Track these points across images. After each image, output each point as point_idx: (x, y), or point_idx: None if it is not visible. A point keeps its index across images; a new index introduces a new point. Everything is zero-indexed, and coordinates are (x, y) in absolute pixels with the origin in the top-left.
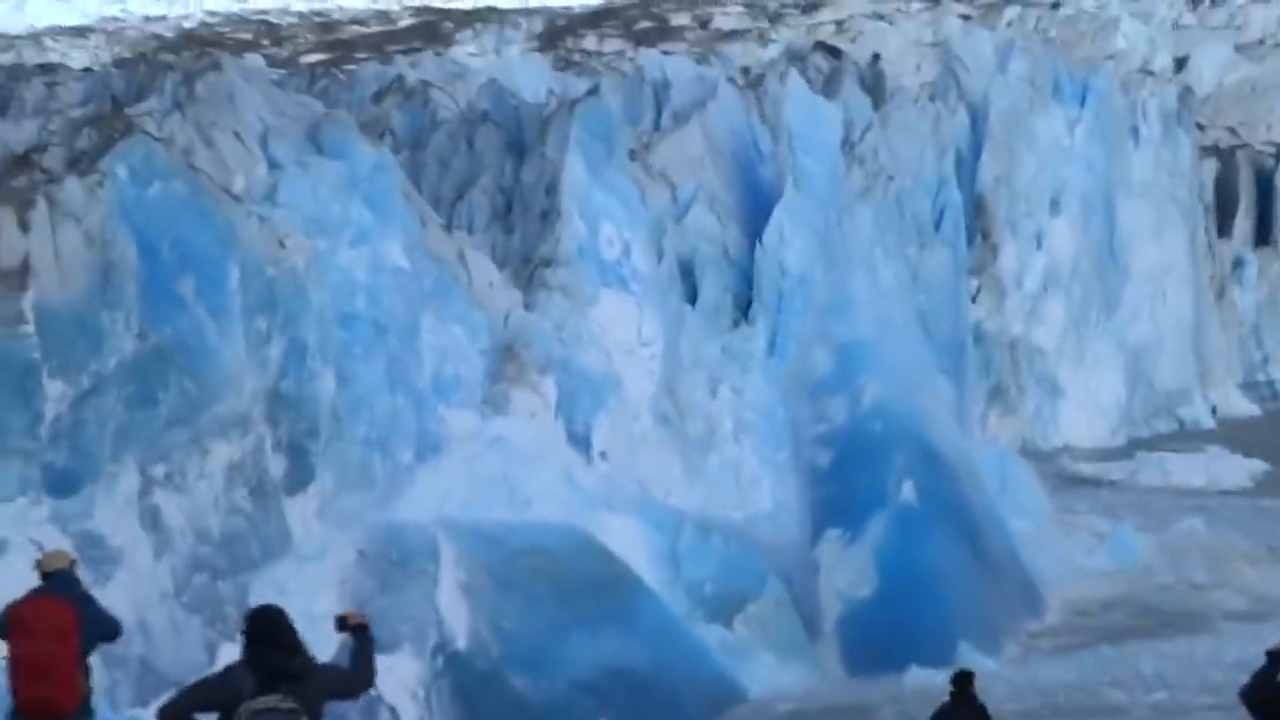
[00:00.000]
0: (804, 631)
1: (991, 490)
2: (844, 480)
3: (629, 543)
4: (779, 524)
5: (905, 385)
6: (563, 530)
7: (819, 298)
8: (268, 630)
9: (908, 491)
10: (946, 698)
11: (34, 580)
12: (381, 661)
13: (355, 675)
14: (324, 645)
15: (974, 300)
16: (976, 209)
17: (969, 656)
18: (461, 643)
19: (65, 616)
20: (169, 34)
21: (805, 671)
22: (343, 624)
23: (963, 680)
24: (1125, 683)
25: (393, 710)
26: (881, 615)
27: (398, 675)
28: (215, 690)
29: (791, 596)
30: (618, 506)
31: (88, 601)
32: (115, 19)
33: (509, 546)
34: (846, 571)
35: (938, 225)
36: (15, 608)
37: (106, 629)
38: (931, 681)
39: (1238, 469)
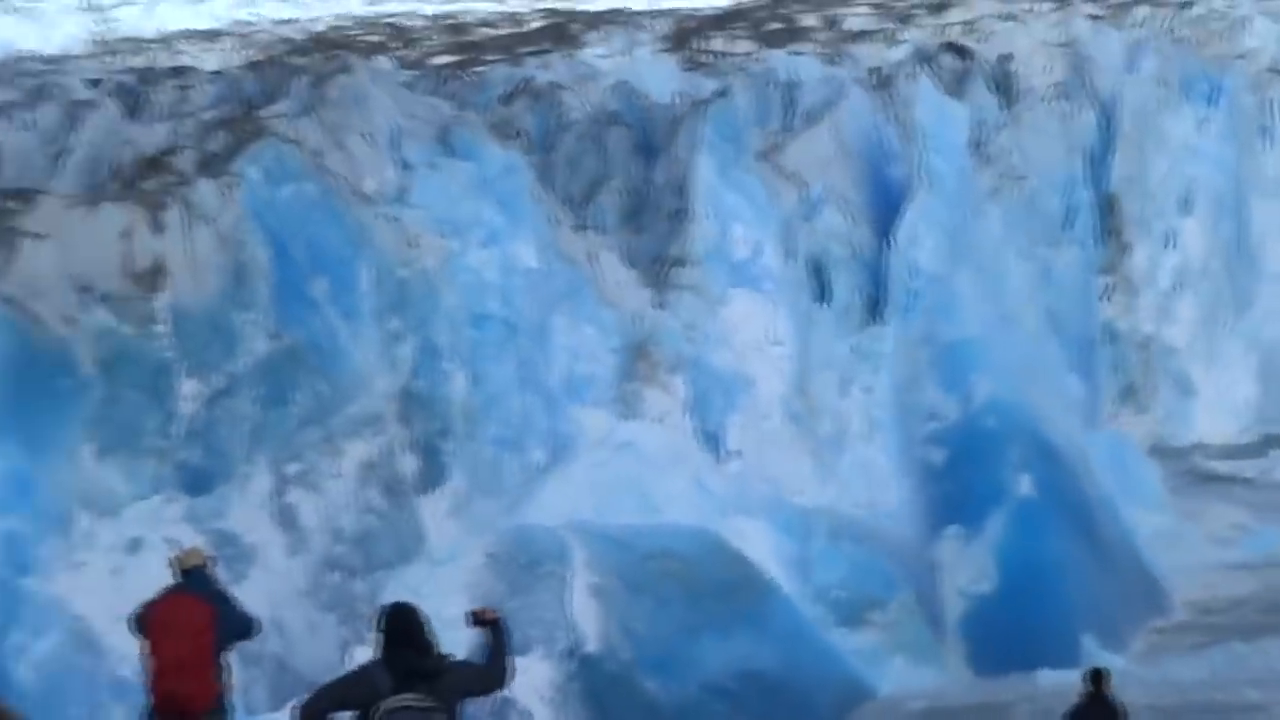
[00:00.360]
0: (932, 633)
1: (1109, 483)
2: (960, 477)
3: (760, 548)
4: (902, 521)
5: (1017, 381)
6: (693, 533)
7: (927, 298)
8: (403, 628)
9: (1025, 486)
10: (1079, 696)
11: (170, 578)
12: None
13: (490, 672)
14: (455, 650)
15: (1105, 299)
16: (1107, 208)
17: (1095, 653)
18: (592, 646)
19: (201, 614)
20: (299, 37)
21: (935, 672)
22: (476, 619)
23: (1097, 679)
24: (1262, 680)
25: (523, 713)
26: (1004, 612)
27: (528, 678)
28: (352, 688)
29: (918, 597)
30: (748, 511)
31: (224, 599)
32: (246, 22)
33: (639, 550)
34: (967, 569)
35: (1068, 224)
36: (152, 605)
37: (242, 626)
38: (1064, 680)
39: None
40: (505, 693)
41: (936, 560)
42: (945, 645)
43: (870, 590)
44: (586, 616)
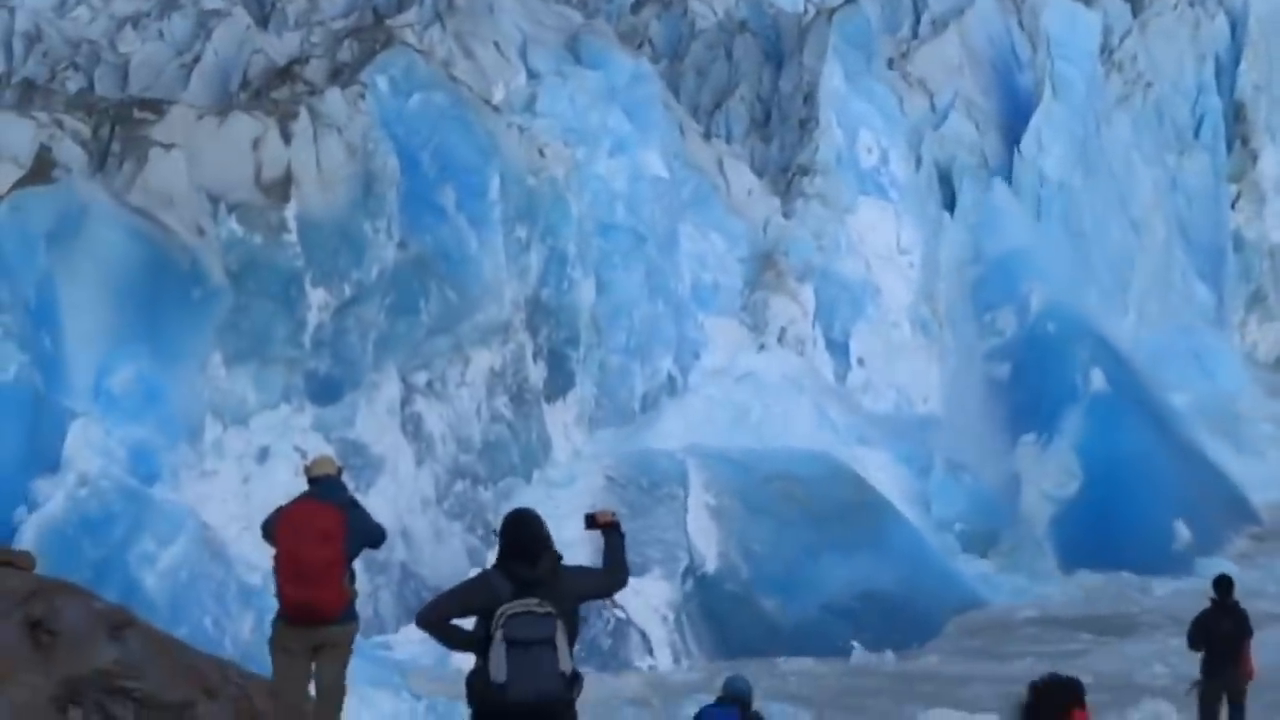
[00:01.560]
0: (1048, 555)
1: (1213, 388)
2: (1028, 385)
3: (879, 476)
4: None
5: (1070, 284)
6: (812, 456)
7: (1055, 205)
8: (521, 534)
9: (1097, 380)
10: (1208, 601)
11: (298, 485)
12: (631, 584)
13: (608, 576)
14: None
15: (1233, 207)
16: (1235, 115)
17: (1190, 553)
18: (711, 566)
19: (332, 521)
20: None
21: (1051, 587)
22: (592, 522)
23: (1223, 586)
24: None
25: (643, 633)
26: (1091, 509)
27: (647, 598)
28: (473, 595)
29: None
30: (869, 441)
31: (354, 506)
32: None
33: (758, 472)
34: (1050, 471)
35: (1197, 132)
36: (283, 512)
37: (372, 534)
38: (1174, 588)
39: None
40: (622, 614)
41: (1015, 470)
42: (1035, 547)
43: (990, 525)
44: (705, 537)
